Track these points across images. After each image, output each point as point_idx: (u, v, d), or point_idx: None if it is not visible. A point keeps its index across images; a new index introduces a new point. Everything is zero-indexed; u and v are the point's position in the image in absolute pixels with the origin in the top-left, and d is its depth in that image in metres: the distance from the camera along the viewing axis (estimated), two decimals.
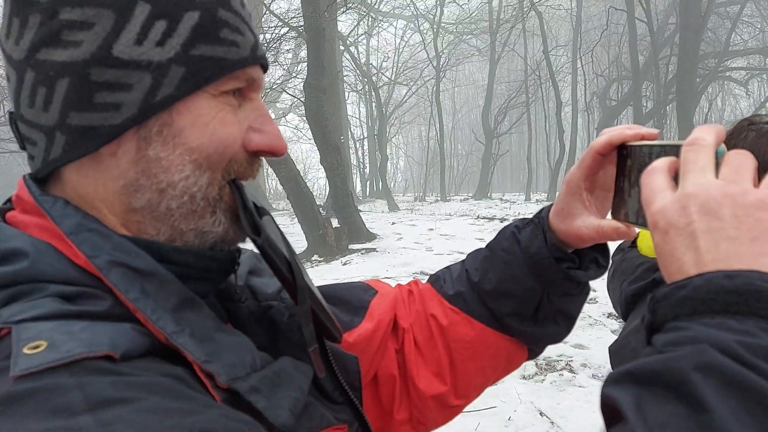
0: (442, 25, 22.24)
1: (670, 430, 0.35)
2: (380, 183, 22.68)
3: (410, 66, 24.74)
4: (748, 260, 0.41)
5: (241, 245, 0.64)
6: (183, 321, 0.51)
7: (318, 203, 11.39)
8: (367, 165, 27.01)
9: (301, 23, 11.02)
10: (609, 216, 0.70)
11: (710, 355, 0.37)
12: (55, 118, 0.53)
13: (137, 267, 0.52)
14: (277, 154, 0.60)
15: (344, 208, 10.44)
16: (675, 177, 0.49)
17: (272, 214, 0.64)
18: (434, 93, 22.54)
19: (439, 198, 22.34)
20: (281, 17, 12.90)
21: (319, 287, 0.72)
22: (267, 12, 13.05)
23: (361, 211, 12.18)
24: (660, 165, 0.51)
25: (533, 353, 0.86)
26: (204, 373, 0.49)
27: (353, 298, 0.82)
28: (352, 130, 25.86)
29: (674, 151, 0.53)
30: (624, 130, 0.66)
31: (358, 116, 28.05)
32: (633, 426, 0.37)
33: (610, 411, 0.40)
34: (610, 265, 1.56)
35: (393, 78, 24.20)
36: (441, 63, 22.07)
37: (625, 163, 0.65)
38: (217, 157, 0.56)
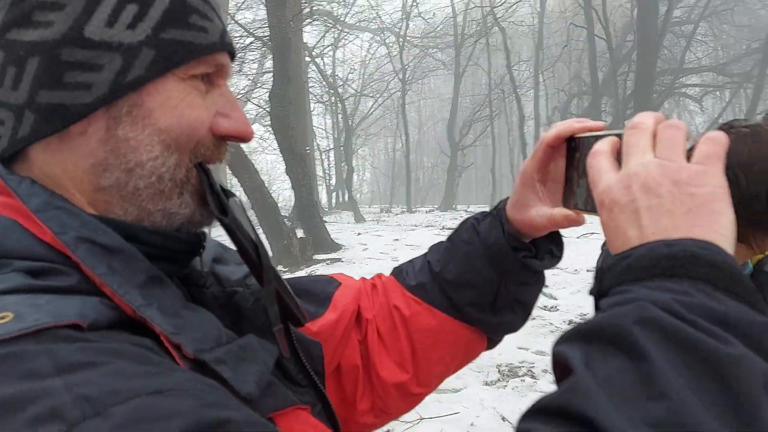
0: (408, 38, 22.44)
1: (615, 381, 0.38)
2: (346, 194, 22.67)
3: (376, 78, 24.88)
4: (684, 230, 0.44)
5: (206, 235, 0.66)
6: (150, 296, 0.52)
7: (283, 214, 11.33)
8: (333, 176, 27.00)
9: (267, 33, 11.01)
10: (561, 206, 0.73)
11: (650, 311, 0.40)
12: (24, 97, 0.54)
13: (104, 244, 0.53)
14: (244, 139, 0.62)
15: (309, 218, 10.41)
16: (618, 158, 0.53)
17: None
18: (400, 105, 22.70)
19: (405, 209, 22.42)
20: (246, 27, 12.87)
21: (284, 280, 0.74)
22: (232, 22, 12.99)
23: (326, 222, 12.15)
24: (603, 147, 0.54)
25: (492, 342, 0.89)
26: (171, 344, 0.50)
27: (317, 290, 0.84)
28: (318, 141, 25.80)
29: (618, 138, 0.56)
30: (572, 123, 0.69)
31: (324, 127, 28.02)
32: (581, 379, 0.39)
33: (560, 367, 0.43)
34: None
35: (359, 90, 24.29)
36: (407, 76, 22.26)
37: (574, 155, 0.68)
38: (185, 139, 0.57)
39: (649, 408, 0.36)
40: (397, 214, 20.85)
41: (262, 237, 0.67)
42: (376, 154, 40.63)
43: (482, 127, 23.76)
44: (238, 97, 14.18)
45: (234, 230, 0.61)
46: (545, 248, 0.81)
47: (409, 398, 0.86)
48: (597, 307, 0.47)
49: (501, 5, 19.78)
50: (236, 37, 13.57)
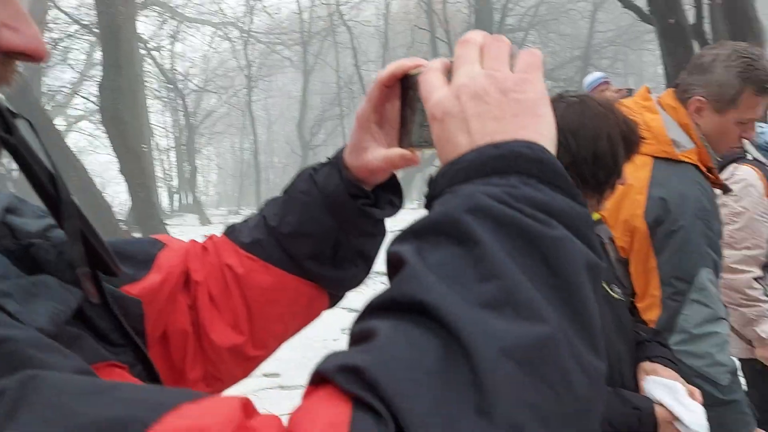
0: (252, 33, 21.96)
1: (447, 267, 0.39)
2: (190, 196, 21.72)
3: (220, 74, 24.04)
4: (510, 133, 0.47)
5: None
6: None
7: (120, 218, 10.56)
8: (175, 177, 25.68)
9: (94, 20, 10.18)
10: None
11: (480, 199, 0.42)
12: None
13: None
14: (36, 57, 0.51)
15: (148, 220, 9.77)
16: (450, 77, 0.54)
17: None
18: (247, 103, 22.18)
19: (255, 211, 21.91)
20: (70, 14, 11.78)
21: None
22: (54, 7, 11.83)
23: (169, 225, 11.51)
24: (434, 65, 0.56)
25: (334, 299, 0.86)
26: None
27: (138, 252, 0.76)
28: (156, 139, 24.34)
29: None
30: (405, 61, 0.70)
31: (163, 125, 26.41)
32: (413, 267, 0.39)
33: (394, 266, 0.42)
34: None
35: (202, 86, 23.28)
36: (252, 72, 21.80)
37: (408, 93, 0.69)
38: None
39: (481, 289, 0.38)
40: (246, 215, 20.34)
41: None
42: (223, 153, 39.16)
43: (333, 126, 23.95)
44: (63, 89, 12.96)
45: (23, 154, 0.51)
46: (385, 198, 0.81)
47: (245, 362, 0.81)
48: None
49: (346, 4, 20.06)
50: (60, 24, 12.41)
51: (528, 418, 0.34)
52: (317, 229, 0.79)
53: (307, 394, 0.37)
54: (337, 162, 0.79)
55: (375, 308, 0.40)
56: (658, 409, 1.26)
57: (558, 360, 0.36)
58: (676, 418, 1.26)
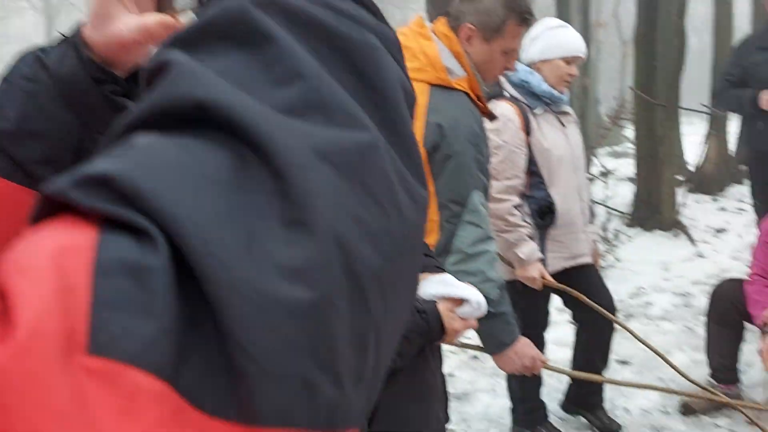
0: None
1: (234, 72, 0.30)
2: None
3: None
4: None
5: None
6: None
7: None
8: None
9: None
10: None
11: None
12: None
13: None
14: None
15: None
16: None
17: None
18: None
19: None
20: None
21: None
22: None
23: None
24: None
25: None
26: None
27: None
28: None
29: None
30: None
31: None
32: (185, 65, 0.29)
33: (153, 76, 0.30)
34: None
35: None
36: None
37: None
38: None
39: (282, 93, 0.30)
40: None
41: None
42: None
43: None
44: None
45: None
46: (137, 92, 0.68)
47: None
48: None
49: None
50: None
51: (353, 233, 0.28)
52: (49, 125, 0.65)
53: (32, 231, 0.25)
54: (74, 39, 0.65)
55: (131, 124, 0.29)
56: (439, 305, 1.29)
57: (383, 171, 0.30)
58: (458, 303, 1.30)
